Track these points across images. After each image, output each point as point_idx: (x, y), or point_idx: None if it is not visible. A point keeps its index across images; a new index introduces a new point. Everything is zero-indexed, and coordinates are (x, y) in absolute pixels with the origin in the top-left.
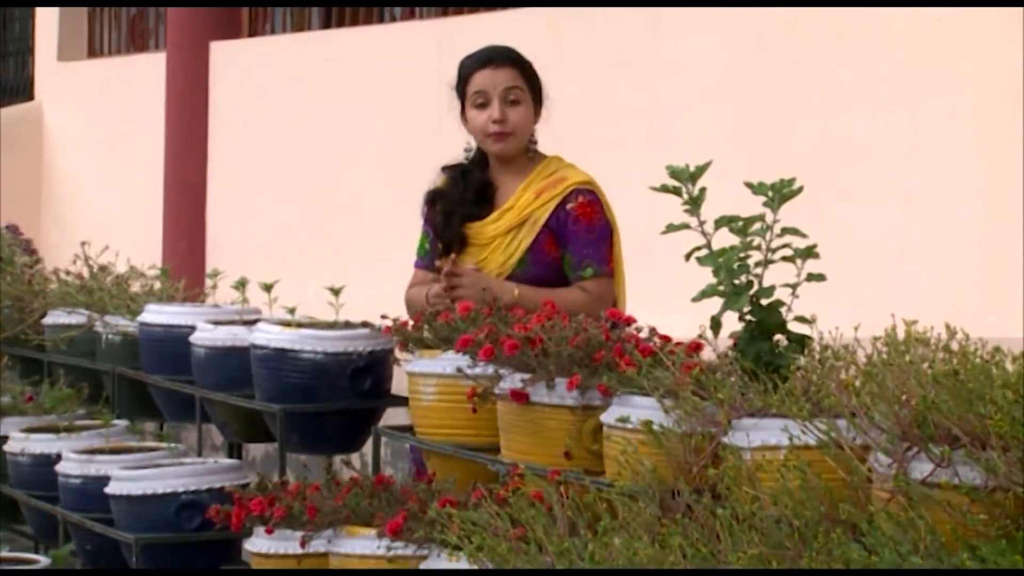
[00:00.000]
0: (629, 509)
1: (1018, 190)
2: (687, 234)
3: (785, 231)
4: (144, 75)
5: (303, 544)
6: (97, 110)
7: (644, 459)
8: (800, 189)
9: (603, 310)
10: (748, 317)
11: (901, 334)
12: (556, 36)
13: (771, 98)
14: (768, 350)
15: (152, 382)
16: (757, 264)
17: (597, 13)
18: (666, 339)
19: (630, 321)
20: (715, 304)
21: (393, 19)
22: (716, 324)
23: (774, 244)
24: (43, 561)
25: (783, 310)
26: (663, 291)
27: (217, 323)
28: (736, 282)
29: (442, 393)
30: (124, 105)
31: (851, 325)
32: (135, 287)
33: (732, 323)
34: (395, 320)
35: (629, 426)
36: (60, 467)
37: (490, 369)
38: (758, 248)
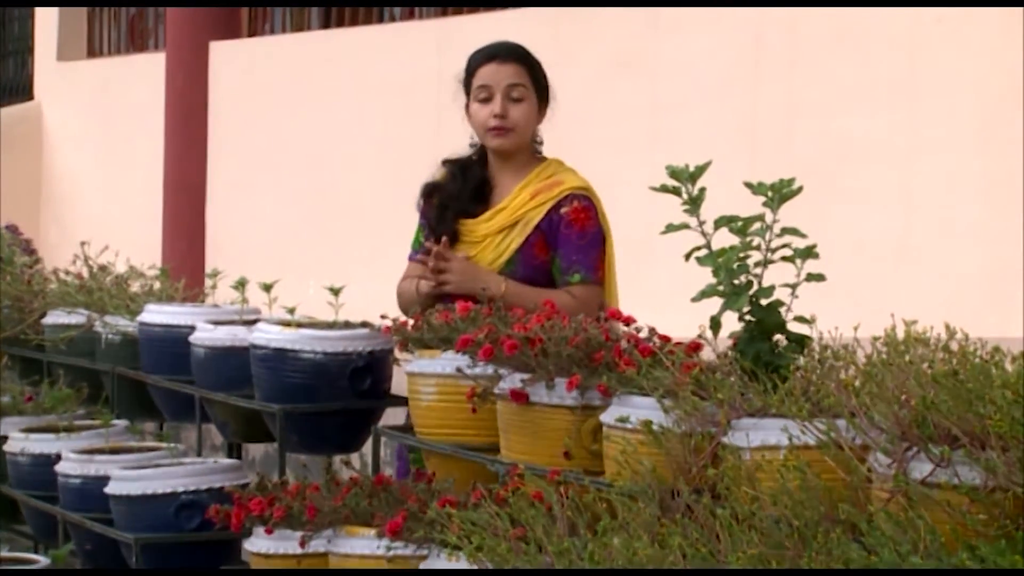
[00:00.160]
0: (629, 509)
1: (1018, 190)
2: (687, 234)
3: (785, 231)
4: (144, 75)
5: (303, 544)
6: (97, 110)
7: (644, 459)
8: (800, 189)
9: (588, 316)
10: (748, 317)
11: (901, 334)
12: (556, 36)
13: (771, 98)
14: (768, 350)
15: (152, 382)
16: (757, 264)
17: (597, 13)
18: (666, 339)
19: (629, 321)
20: (715, 304)
21: (393, 19)
22: (716, 324)
23: (774, 244)
24: (43, 561)
25: (783, 310)
26: (663, 291)
27: (217, 323)
28: (736, 282)
29: (442, 393)
30: (123, 105)
31: (851, 325)
32: (135, 287)
33: (732, 323)
34: (395, 320)
35: (629, 426)
36: (60, 467)
37: (490, 369)
38: (758, 248)
